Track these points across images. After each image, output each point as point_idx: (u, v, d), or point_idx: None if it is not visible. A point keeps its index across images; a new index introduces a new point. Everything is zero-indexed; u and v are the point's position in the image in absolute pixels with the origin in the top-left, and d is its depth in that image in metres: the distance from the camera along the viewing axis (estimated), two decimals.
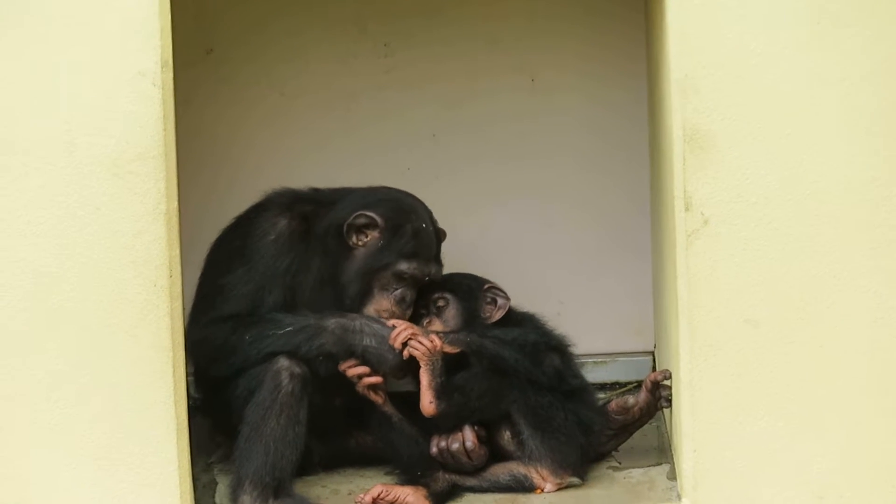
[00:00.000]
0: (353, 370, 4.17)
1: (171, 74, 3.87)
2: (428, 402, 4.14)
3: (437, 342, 4.13)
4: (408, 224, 4.27)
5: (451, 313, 4.34)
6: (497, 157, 5.01)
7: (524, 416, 4.18)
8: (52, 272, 3.88)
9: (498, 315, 4.35)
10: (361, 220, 4.24)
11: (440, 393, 4.14)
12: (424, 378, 4.13)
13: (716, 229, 3.94)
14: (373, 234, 4.26)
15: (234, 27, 4.93)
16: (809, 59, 3.89)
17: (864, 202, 3.93)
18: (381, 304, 4.26)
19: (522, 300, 4.45)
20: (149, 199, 3.88)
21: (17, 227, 3.86)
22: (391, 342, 4.13)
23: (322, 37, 4.93)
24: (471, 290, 4.37)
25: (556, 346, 4.27)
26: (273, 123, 4.97)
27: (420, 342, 4.12)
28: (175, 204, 3.91)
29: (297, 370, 4.12)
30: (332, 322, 4.16)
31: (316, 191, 4.40)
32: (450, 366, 4.18)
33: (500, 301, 4.36)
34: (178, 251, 3.92)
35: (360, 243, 4.26)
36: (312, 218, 4.31)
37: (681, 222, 3.94)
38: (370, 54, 4.95)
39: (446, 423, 4.16)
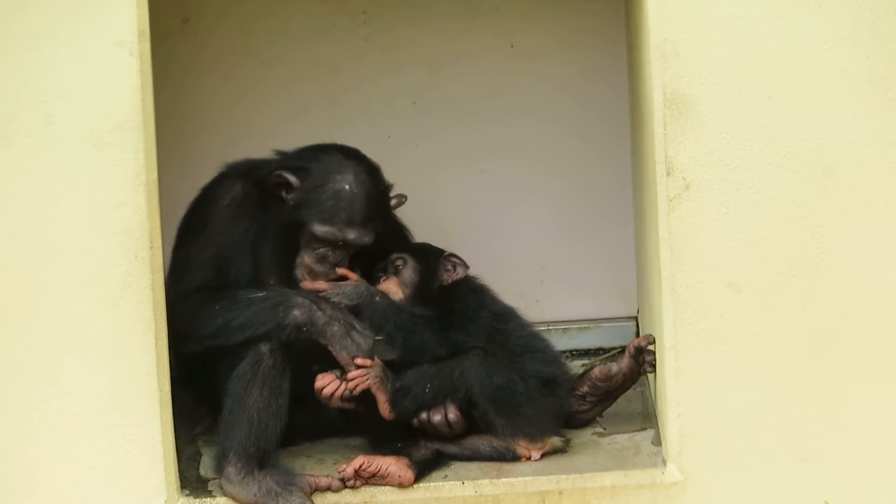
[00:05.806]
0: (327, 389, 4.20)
1: (148, 44, 3.85)
2: (384, 407, 4.16)
3: (371, 360, 4.13)
4: (328, 184, 4.21)
5: (408, 273, 4.34)
6: (477, 123, 4.99)
7: (485, 401, 4.17)
8: (31, 245, 3.86)
9: (454, 277, 4.36)
10: (278, 180, 4.22)
11: (393, 402, 4.15)
12: (379, 396, 4.15)
13: (697, 194, 3.94)
14: (292, 193, 4.23)
15: None
16: (789, 21, 3.89)
17: (845, 164, 3.93)
18: (304, 259, 4.25)
19: (504, 267, 4.45)
20: (128, 170, 3.86)
21: None
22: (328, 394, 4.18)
23: (300, 4, 4.90)
24: (430, 254, 4.37)
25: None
26: (251, 92, 4.95)
27: (357, 377, 4.14)
28: (155, 174, 3.89)
29: (277, 343, 4.12)
30: (295, 314, 4.15)
31: (280, 154, 4.36)
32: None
33: (458, 269, 4.36)
34: (158, 222, 3.91)
35: (288, 199, 4.25)
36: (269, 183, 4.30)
37: (662, 187, 3.94)
38: (349, 21, 4.92)
39: (407, 419, 4.17)
